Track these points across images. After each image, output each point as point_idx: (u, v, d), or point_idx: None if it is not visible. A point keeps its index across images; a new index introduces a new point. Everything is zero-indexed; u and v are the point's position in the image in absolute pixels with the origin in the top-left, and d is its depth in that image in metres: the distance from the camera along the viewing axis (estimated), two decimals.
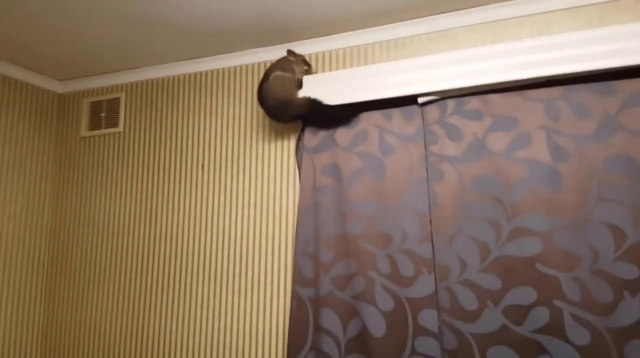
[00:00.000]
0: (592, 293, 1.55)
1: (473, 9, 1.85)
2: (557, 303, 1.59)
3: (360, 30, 2.02)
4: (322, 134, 2.01)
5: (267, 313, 2.07)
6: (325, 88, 1.96)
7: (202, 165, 2.31)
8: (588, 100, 1.63)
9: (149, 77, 2.45)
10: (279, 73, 1.99)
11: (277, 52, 2.19)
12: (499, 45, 1.69)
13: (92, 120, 2.56)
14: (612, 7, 1.68)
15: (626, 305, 1.51)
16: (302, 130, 2.07)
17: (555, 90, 1.67)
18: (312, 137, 2.03)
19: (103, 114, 2.54)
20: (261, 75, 2.25)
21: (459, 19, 1.88)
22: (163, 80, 2.44)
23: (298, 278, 1.95)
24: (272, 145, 2.18)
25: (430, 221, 1.79)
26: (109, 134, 2.51)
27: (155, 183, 2.38)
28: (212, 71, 2.35)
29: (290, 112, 1.98)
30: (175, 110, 2.40)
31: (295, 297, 1.94)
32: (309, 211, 1.98)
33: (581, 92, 1.64)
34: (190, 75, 2.39)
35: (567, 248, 1.60)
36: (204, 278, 2.21)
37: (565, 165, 1.63)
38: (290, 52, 2.02)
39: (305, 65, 2.03)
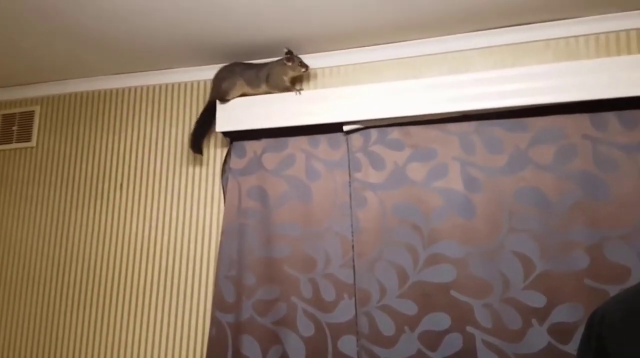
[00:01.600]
0: (503, 320, 1.59)
1: (397, 44, 1.90)
2: (470, 329, 1.61)
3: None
4: (250, 156, 1.97)
5: (185, 339, 1.97)
6: (251, 111, 1.92)
7: (121, 184, 2.18)
8: (500, 135, 1.69)
9: (69, 91, 2.30)
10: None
11: (208, 72, 2.12)
12: (420, 80, 1.74)
13: (3, 134, 2.35)
14: (523, 48, 1.77)
15: (534, 333, 1.56)
16: (229, 152, 2.01)
17: (470, 125, 1.73)
18: (239, 160, 1.98)
19: (15, 128, 2.34)
20: (191, 95, 2.17)
21: (383, 53, 1.92)
22: (84, 94, 2.30)
23: (218, 302, 1.88)
24: (197, 167, 2.10)
25: (353, 246, 1.78)
26: (21, 149, 2.31)
27: (70, 201, 2.21)
28: (138, 87, 2.24)
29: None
30: (95, 126, 2.26)
31: (214, 322, 1.86)
32: (233, 234, 1.92)
33: (494, 127, 1.71)
34: (114, 90, 2.27)
35: (480, 275, 1.64)
36: (120, 301, 2.07)
37: (479, 195, 1.68)
38: (287, 58, 1.89)
39: (303, 67, 1.90)
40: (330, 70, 1.99)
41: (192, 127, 2.04)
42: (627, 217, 1.53)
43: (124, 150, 2.21)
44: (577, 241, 1.56)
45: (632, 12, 1.63)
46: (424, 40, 1.86)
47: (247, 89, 1.95)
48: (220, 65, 2.06)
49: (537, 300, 1.57)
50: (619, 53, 1.66)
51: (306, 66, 1.90)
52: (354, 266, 1.77)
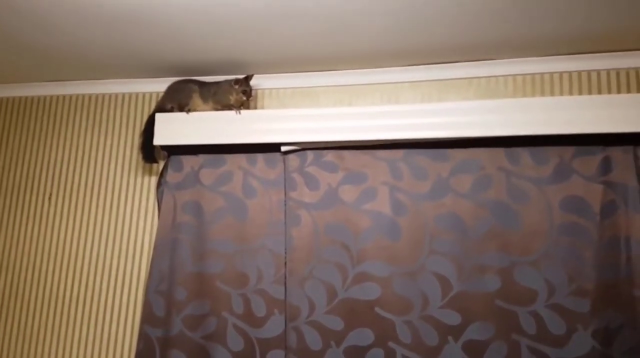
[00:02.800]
0: (421, 337, 1.68)
1: (334, 72, 1.98)
2: (391, 344, 1.69)
3: (228, 76, 2.01)
4: (187, 171, 1.96)
5: (111, 354, 1.91)
6: (191, 126, 1.92)
7: (50, 195, 2.10)
8: (425, 163, 1.80)
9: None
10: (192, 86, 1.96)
11: (147, 85, 2.10)
12: (354, 108, 1.82)
13: None
14: (448, 85, 1.90)
15: (449, 349, 1.66)
16: (166, 166, 1.99)
17: (399, 152, 1.82)
18: (176, 174, 1.97)
19: None
20: (128, 106, 2.14)
21: (321, 80, 1.99)
22: (15, 99, 2.20)
23: (148, 316, 1.85)
24: (132, 179, 2.07)
25: (285, 263, 1.82)
26: None
27: None
28: (73, 96, 2.18)
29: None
30: (25, 133, 2.17)
31: (142, 336, 1.83)
32: (166, 248, 1.90)
33: (420, 156, 1.80)
34: (47, 97, 2.19)
35: (402, 293, 1.72)
36: (44, 314, 1.99)
37: (404, 219, 1.77)
38: (236, 80, 1.92)
39: (244, 96, 1.92)
40: (270, 92, 2.04)
41: (140, 138, 2.01)
42: (535, 244, 1.66)
43: (54, 160, 2.13)
44: (490, 265, 1.68)
45: (546, 57, 1.79)
46: (359, 70, 1.95)
47: (199, 103, 1.95)
48: (161, 79, 2.05)
49: (452, 318, 1.67)
50: (533, 94, 1.81)
51: (248, 95, 1.92)
52: (285, 282, 1.81)
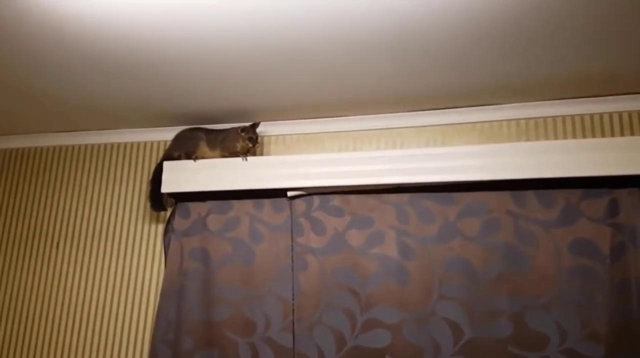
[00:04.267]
0: None
1: (339, 118, 1.99)
2: None
3: (234, 124, 2.02)
4: (194, 217, 1.94)
5: None
6: (198, 174, 1.91)
7: (57, 243, 2.08)
8: (431, 207, 1.78)
9: (7, 146, 2.20)
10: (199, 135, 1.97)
11: (154, 134, 2.11)
12: (359, 153, 1.81)
13: None
14: (452, 129, 1.90)
15: None
16: (173, 213, 1.98)
17: (405, 196, 1.81)
18: (183, 221, 1.96)
19: None
20: (136, 155, 2.14)
21: (326, 126, 2.00)
22: (24, 150, 2.21)
23: None
24: (139, 227, 2.05)
25: (293, 310, 1.78)
26: None
27: (3, 259, 2.07)
28: (82, 146, 2.19)
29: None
30: (34, 182, 2.17)
31: None
32: (173, 295, 1.87)
33: (426, 199, 1.79)
34: (56, 147, 2.21)
35: (413, 341, 1.67)
36: None
37: (412, 263, 1.74)
38: (243, 128, 1.93)
39: (250, 143, 1.92)
40: (276, 138, 2.04)
41: (149, 186, 2.01)
42: (545, 287, 1.62)
43: (62, 209, 2.12)
44: (501, 309, 1.63)
45: (550, 101, 1.80)
46: (364, 116, 1.96)
47: (206, 151, 1.95)
48: (169, 128, 2.06)
49: None
50: (537, 138, 1.81)
51: (254, 143, 1.92)
52: (293, 330, 1.76)
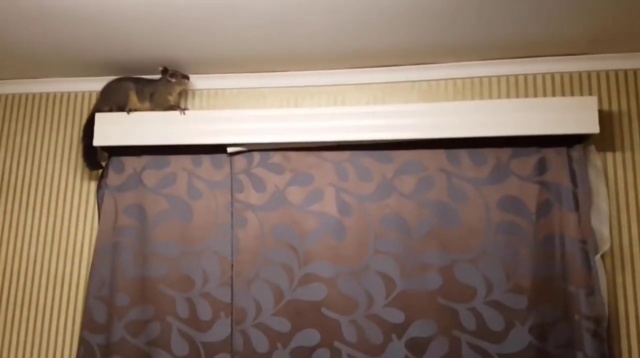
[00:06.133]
0: (366, 336, 1.67)
1: (280, 73, 1.93)
2: (337, 344, 1.67)
3: None
4: (129, 172, 1.88)
5: None
6: (133, 127, 1.84)
7: None
8: (370, 165, 1.78)
9: None
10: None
11: (86, 84, 2.00)
12: (300, 109, 1.78)
13: None
14: (392, 87, 1.89)
15: (393, 347, 1.65)
16: (106, 167, 1.90)
17: (344, 154, 1.80)
18: (117, 176, 1.88)
19: None
20: (65, 106, 2.02)
21: (268, 81, 1.94)
22: None
23: (88, 323, 1.77)
24: (71, 180, 1.96)
25: (232, 265, 1.77)
26: None
27: None
28: (9, 95, 2.04)
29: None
30: None
31: (82, 343, 1.74)
32: (107, 252, 1.82)
33: (365, 157, 1.79)
34: None
35: (347, 293, 1.70)
36: None
37: (350, 219, 1.75)
38: (171, 74, 1.86)
39: (185, 78, 1.88)
40: (215, 92, 1.97)
41: (81, 143, 1.91)
42: (474, 242, 1.67)
43: None
44: (432, 263, 1.68)
45: (485, 61, 1.81)
46: (305, 72, 1.91)
47: (135, 101, 1.87)
48: (100, 78, 1.95)
49: (396, 316, 1.66)
50: (473, 97, 1.83)
51: (187, 77, 1.88)
52: (232, 285, 1.75)
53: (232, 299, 1.74)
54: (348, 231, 1.74)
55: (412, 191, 1.74)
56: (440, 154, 1.75)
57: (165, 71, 1.85)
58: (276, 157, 1.83)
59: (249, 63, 1.87)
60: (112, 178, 1.88)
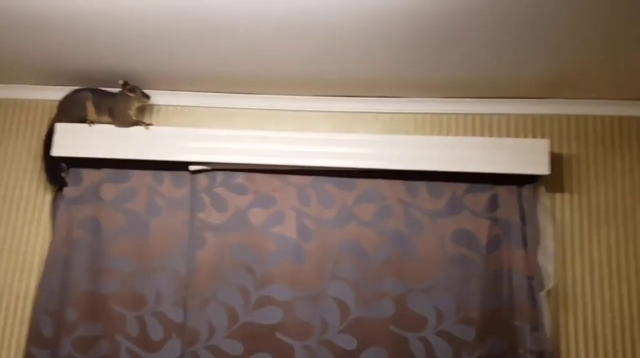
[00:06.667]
0: None
1: (247, 95, 1.95)
2: None
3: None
4: (87, 185, 1.84)
5: None
6: (94, 139, 1.81)
7: None
8: (332, 191, 1.81)
9: None
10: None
11: (47, 93, 1.96)
12: (266, 132, 1.81)
13: None
14: (357, 117, 1.93)
15: None
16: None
17: (308, 179, 1.83)
18: (74, 188, 1.85)
19: None
20: (25, 114, 1.98)
21: (235, 101, 1.95)
22: None
23: (34, 337, 1.71)
24: (26, 190, 1.90)
25: (187, 285, 1.74)
26: None
27: None
28: None
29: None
30: None
31: None
32: (58, 265, 1.77)
33: (327, 183, 1.82)
34: None
35: (303, 318, 1.71)
36: None
37: (309, 244, 1.77)
38: (129, 89, 1.82)
39: (145, 97, 1.84)
40: (181, 109, 1.96)
41: (43, 159, 1.86)
42: (427, 273, 1.71)
43: None
44: (387, 291, 1.71)
45: (447, 98, 1.88)
46: (273, 96, 1.93)
47: (92, 111, 1.83)
48: (62, 88, 1.91)
49: (349, 343, 1.68)
50: (432, 132, 1.89)
51: (148, 96, 1.85)
52: (185, 305, 1.73)
53: (184, 319, 1.72)
54: (307, 255, 1.76)
55: (371, 219, 1.77)
56: (400, 184, 1.79)
57: (125, 84, 1.82)
58: (240, 178, 1.83)
59: (217, 82, 1.87)
60: (69, 189, 1.84)
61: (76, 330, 1.71)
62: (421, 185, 1.79)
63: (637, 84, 1.73)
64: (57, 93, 1.94)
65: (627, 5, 1.34)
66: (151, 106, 1.94)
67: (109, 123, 1.83)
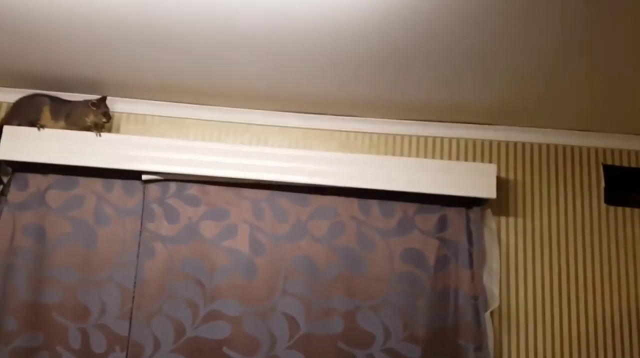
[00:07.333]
0: None
1: (204, 106, 1.93)
2: None
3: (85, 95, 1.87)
4: (32, 190, 1.78)
5: None
6: (42, 143, 1.76)
7: None
8: (286, 206, 1.81)
9: None
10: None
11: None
12: (222, 144, 1.80)
13: None
14: (313, 133, 1.95)
15: None
16: (9, 183, 1.80)
17: (263, 193, 1.82)
18: (19, 193, 1.78)
19: None
20: None
21: (191, 112, 1.94)
22: None
23: None
24: None
25: (133, 297, 1.71)
26: None
27: None
28: None
29: None
30: None
31: None
32: None
33: (282, 198, 1.82)
34: None
35: (252, 333, 1.69)
36: None
37: (261, 259, 1.76)
38: (93, 102, 1.80)
39: (104, 118, 1.80)
40: (135, 117, 1.93)
41: None
42: (377, 290, 1.73)
43: None
44: (336, 308, 1.71)
45: (400, 120, 1.92)
46: (230, 108, 1.93)
47: (48, 118, 1.79)
48: (11, 90, 1.86)
49: None
50: (386, 152, 1.92)
51: (109, 118, 1.82)
52: (131, 318, 1.69)
53: (129, 333, 1.67)
54: (259, 270, 1.74)
55: (324, 235, 1.78)
56: (353, 202, 1.81)
57: (102, 99, 1.81)
58: (193, 189, 1.81)
59: (172, 92, 1.85)
60: (14, 195, 1.77)
61: (15, 340, 1.65)
62: (374, 204, 1.81)
63: (580, 114, 1.83)
64: (7, 95, 1.89)
65: (568, 44, 1.43)
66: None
67: (64, 128, 1.80)
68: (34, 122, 1.78)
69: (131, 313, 1.70)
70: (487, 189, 1.75)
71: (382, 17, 1.37)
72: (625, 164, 1.94)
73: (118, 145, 1.78)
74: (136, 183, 1.82)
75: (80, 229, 1.76)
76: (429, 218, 1.81)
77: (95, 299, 1.70)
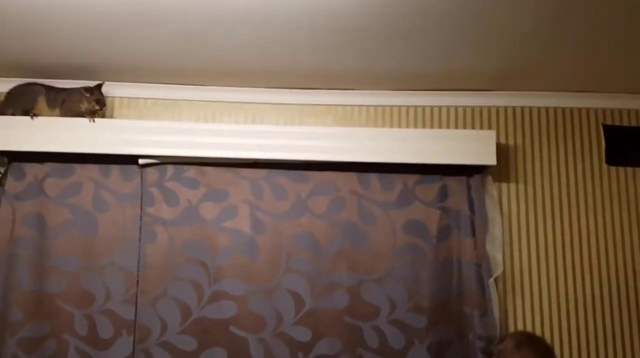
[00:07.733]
0: (273, 354, 1.67)
1: (197, 87, 1.91)
2: None
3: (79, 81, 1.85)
4: (30, 180, 1.77)
5: None
6: (37, 132, 1.74)
7: None
8: (285, 184, 1.80)
9: None
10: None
11: None
12: (217, 125, 1.79)
13: None
14: (309, 109, 1.92)
15: None
16: (5, 173, 1.79)
17: (261, 172, 1.81)
18: (16, 183, 1.77)
19: None
20: None
21: (185, 93, 1.91)
22: None
23: None
24: None
25: (137, 282, 1.71)
26: None
27: None
28: None
29: None
30: None
31: None
32: (1, 264, 1.70)
33: (281, 176, 1.81)
34: None
35: (257, 311, 1.70)
36: None
37: (263, 237, 1.76)
38: (87, 88, 1.77)
39: (97, 105, 1.77)
40: (129, 101, 1.91)
41: None
42: (380, 263, 1.73)
43: None
44: (340, 282, 1.72)
45: (398, 91, 1.90)
46: (224, 87, 1.90)
47: (44, 107, 1.77)
48: (8, 79, 1.83)
49: (303, 334, 1.68)
50: (384, 124, 1.90)
51: (102, 105, 1.79)
52: (136, 302, 1.69)
53: (135, 316, 1.68)
54: (261, 249, 1.74)
55: (324, 211, 1.77)
56: (352, 176, 1.80)
57: (97, 87, 1.79)
58: (191, 171, 1.80)
59: (164, 73, 1.83)
60: (11, 185, 1.77)
61: (21, 330, 1.66)
62: (373, 177, 1.80)
63: (579, 76, 1.80)
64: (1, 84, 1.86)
65: (568, 7, 1.41)
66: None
67: (59, 116, 1.78)
68: (27, 111, 1.76)
69: (136, 297, 1.70)
70: (487, 156, 1.74)
71: None
72: (625, 124, 1.91)
73: (113, 130, 1.77)
74: (133, 168, 1.81)
75: (79, 216, 1.76)
76: (430, 188, 1.80)
77: (99, 285, 1.71)
